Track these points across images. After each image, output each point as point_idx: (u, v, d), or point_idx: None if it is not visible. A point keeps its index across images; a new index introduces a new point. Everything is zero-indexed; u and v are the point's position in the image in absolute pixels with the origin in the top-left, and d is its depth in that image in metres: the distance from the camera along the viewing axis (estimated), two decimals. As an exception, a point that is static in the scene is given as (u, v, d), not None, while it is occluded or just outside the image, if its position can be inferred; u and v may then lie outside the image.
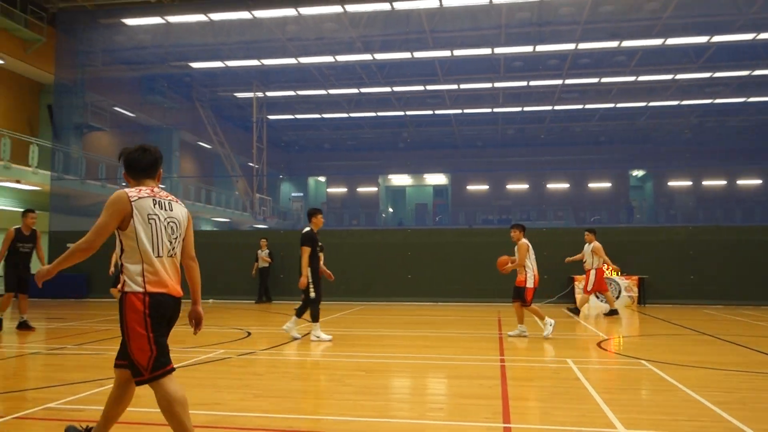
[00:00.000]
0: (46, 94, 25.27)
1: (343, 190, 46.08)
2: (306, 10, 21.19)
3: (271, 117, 34.56)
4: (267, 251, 17.16)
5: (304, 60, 26.14)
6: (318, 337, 9.06)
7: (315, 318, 9.15)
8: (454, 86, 29.95)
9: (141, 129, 31.17)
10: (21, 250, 10.10)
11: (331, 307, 15.00)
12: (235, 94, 32.44)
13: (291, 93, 31.69)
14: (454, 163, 41.51)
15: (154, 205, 3.50)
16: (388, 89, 30.27)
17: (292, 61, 26.32)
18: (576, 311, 13.92)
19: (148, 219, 3.44)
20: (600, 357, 7.95)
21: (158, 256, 3.45)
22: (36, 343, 9.12)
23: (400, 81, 29.23)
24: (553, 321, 9.42)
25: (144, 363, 3.35)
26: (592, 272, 13.22)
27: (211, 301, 17.05)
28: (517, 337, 9.49)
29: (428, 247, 17.82)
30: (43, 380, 6.38)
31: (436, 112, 34.48)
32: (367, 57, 25.74)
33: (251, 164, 33.62)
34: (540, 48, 24.33)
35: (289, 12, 21.29)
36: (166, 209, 3.55)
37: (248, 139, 32.83)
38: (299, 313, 9.31)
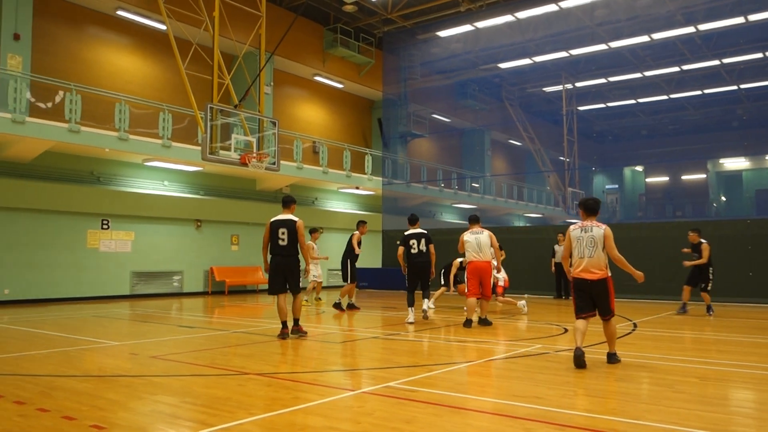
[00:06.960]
0: (376, 110, 28.84)
1: (664, 179, 42.28)
2: (617, -10, 20.18)
3: (581, 108, 33.59)
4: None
5: (615, 44, 24.88)
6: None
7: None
8: (805, 47, 25.10)
9: (456, 132, 33.37)
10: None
11: (658, 306, 13.88)
12: (544, 89, 32.48)
13: (602, 81, 30.48)
14: (808, 139, 34.68)
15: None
16: (716, 62, 26.85)
17: (602, 47, 25.28)
18: None
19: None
20: None
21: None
22: (374, 329, 10.39)
23: (731, 51, 25.65)
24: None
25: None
26: None
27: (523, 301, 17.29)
28: None
29: (777, 240, 15.21)
30: (382, 361, 7.22)
31: (781, 81, 29.36)
32: (689, 30, 23.20)
33: (562, 158, 33.18)
34: None
35: (598, -4, 20.55)
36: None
37: (558, 133, 32.44)
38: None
